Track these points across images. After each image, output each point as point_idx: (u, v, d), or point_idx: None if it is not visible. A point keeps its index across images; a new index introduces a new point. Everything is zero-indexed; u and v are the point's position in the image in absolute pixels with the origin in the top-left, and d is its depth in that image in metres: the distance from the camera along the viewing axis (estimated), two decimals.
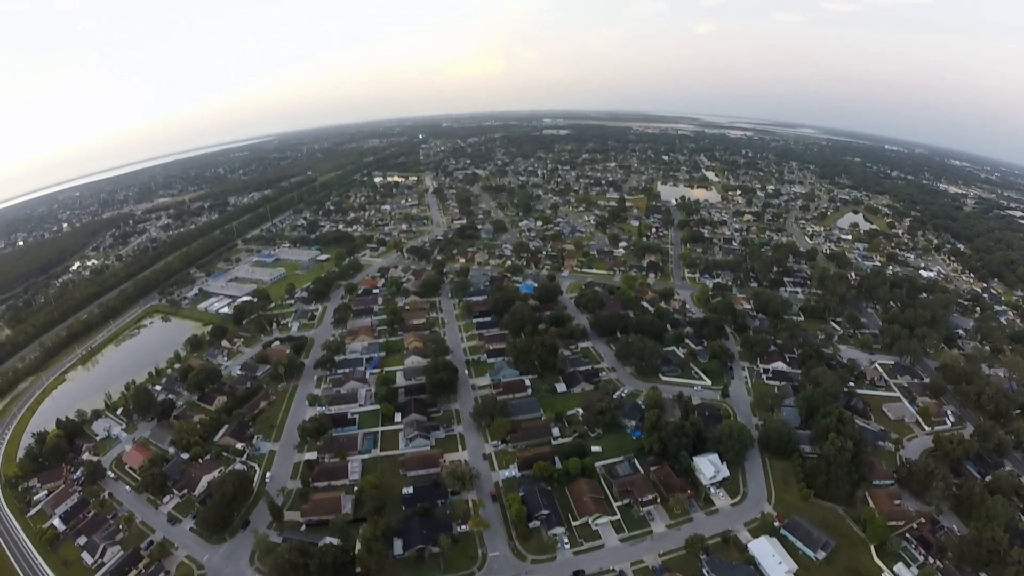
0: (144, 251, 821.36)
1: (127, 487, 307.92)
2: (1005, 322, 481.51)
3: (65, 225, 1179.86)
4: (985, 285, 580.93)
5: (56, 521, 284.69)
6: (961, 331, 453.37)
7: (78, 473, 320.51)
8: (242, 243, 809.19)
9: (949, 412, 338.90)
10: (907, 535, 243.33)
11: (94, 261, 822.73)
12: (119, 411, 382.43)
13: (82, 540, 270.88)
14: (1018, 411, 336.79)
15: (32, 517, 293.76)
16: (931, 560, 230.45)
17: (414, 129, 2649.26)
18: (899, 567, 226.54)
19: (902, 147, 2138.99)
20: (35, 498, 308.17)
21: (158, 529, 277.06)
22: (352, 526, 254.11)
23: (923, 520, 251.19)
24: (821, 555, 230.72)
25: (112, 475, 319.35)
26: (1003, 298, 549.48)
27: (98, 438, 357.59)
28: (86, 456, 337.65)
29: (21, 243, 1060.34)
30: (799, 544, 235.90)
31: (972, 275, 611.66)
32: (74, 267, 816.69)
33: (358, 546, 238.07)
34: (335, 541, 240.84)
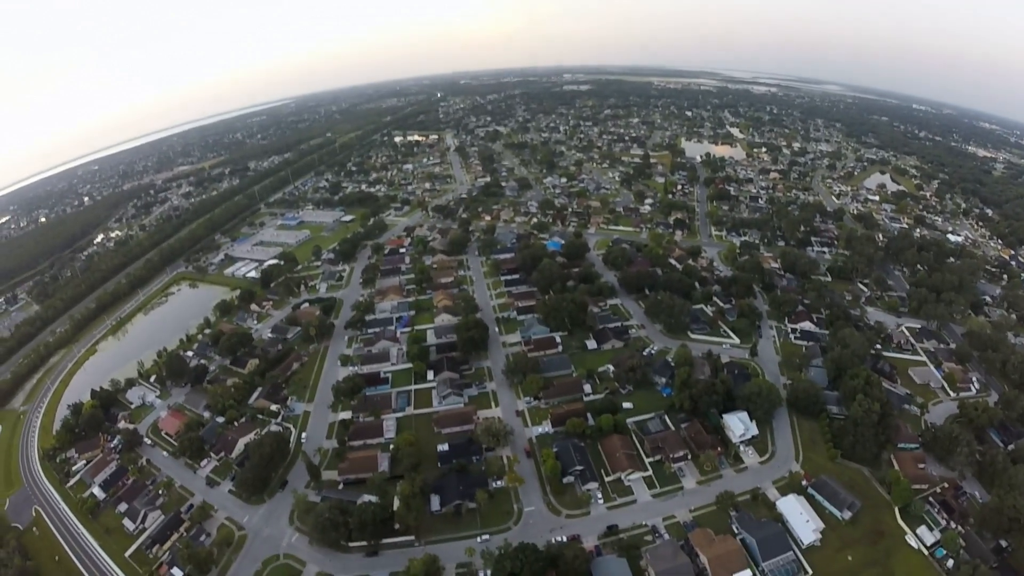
0: (167, 220, 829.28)
1: (164, 453, 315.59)
2: None
3: (86, 199, 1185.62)
4: (1013, 252, 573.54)
5: (96, 490, 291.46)
6: (988, 298, 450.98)
7: (115, 441, 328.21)
8: (265, 207, 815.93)
9: (974, 379, 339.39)
10: (930, 499, 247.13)
11: (118, 232, 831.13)
12: (152, 378, 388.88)
13: (122, 507, 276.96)
14: None
15: (72, 487, 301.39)
16: (953, 525, 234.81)
17: (432, 87, 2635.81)
18: (922, 530, 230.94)
19: (930, 107, 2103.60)
20: (74, 468, 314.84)
21: (197, 492, 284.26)
22: (389, 483, 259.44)
23: (946, 485, 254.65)
24: (847, 515, 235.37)
25: (149, 442, 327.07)
26: None
27: (133, 406, 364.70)
28: (122, 424, 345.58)
29: (43, 219, 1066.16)
30: (826, 503, 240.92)
31: (1000, 242, 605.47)
32: (98, 239, 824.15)
33: (396, 503, 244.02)
34: (373, 498, 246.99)
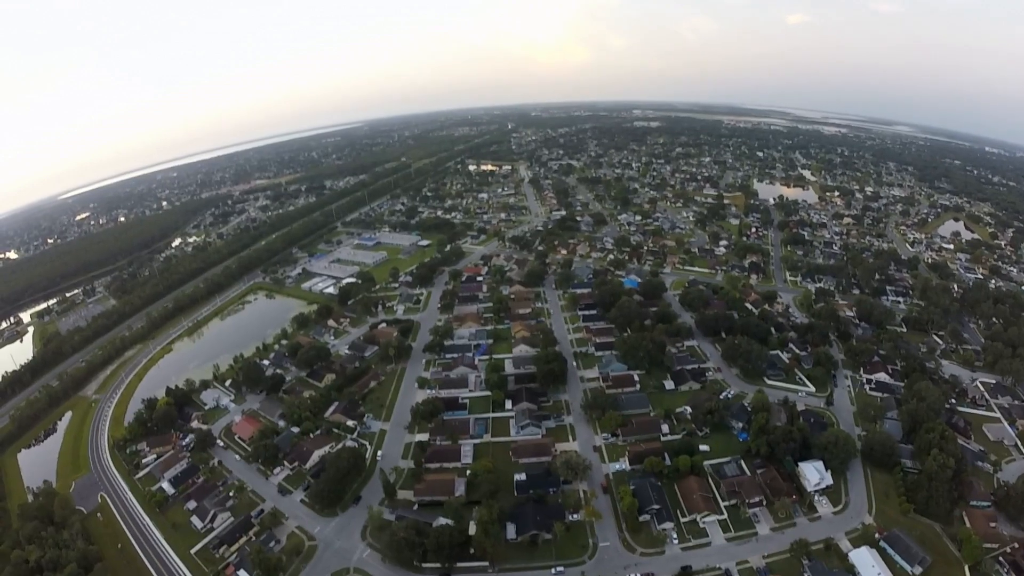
0: (245, 230, 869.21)
1: (236, 456, 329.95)
2: None
3: (165, 203, 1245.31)
4: None
5: (165, 484, 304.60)
6: None
7: (187, 440, 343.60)
8: (341, 226, 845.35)
9: None
10: (1001, 559, 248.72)
11: (195, 238, 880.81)
12: (228, 383, 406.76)
13: (191, 504, 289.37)
14: None
15: (140, 479, 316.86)
16: None
17: (503, 118, 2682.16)
18: None
19: (1003, 149, 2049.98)
20: (144, 461, 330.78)
21: (268, 499, 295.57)
22: (465, 508, 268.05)
23: (1016, 545, 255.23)
24: (918, 570, 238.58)
25: (221, 444, 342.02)
26: None
27: (207, 407, 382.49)
28: (195, 424, 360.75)
29: (123, 219, 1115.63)
30: (897, 558, 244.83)
31: None
32: (176, 243, 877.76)
33: (472, 528, 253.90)
34: (449, 522, 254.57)
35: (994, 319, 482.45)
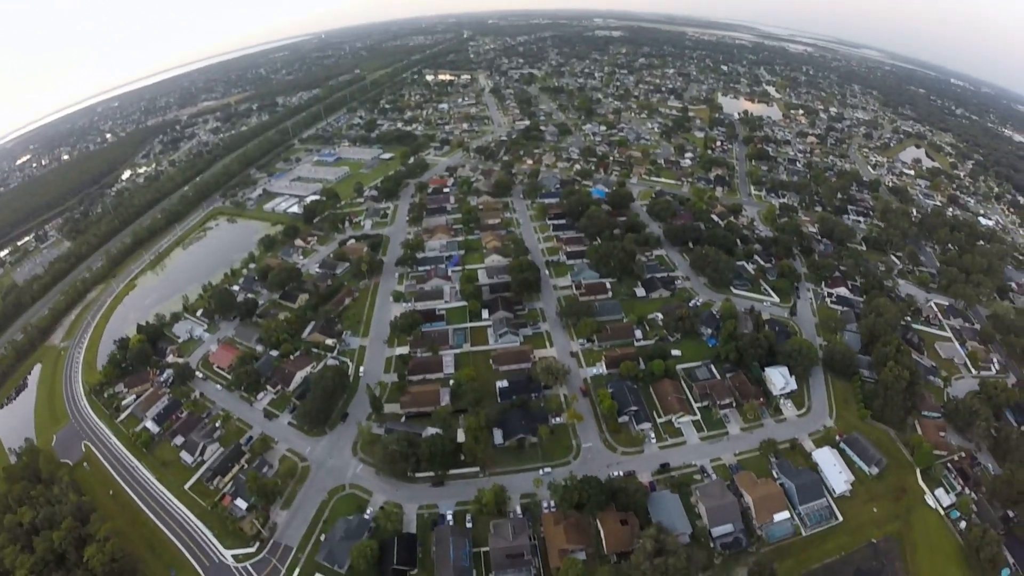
0: (198, 155, 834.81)
1: (218, 386, 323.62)
2: None
3: (109, 136, 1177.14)
4: None
5: (149, 424, 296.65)
6: (1014, 284, 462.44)
7: (165, 375, 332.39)
8: (299, 143, 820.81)
9: (995, 360, 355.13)
10: (948, 465, 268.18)
11: (146, 168, 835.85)
12: (199, 312, 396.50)
13: (179, 440, 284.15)
14: None
15: (123, 422, 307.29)
16: (967, 491, 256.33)
17: (459, 26, 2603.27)
18: (939, 492, 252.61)
19: (969, 83, 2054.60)
20: (123, 403, 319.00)
21: (255, 425, 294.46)
22: (452, 417, 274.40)
23: (963, 454, 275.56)
24: (875, 471, 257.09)
25: (200, 375, 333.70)
26: None
27: (180, 340, 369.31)
28: (171, 358, 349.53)
29: (66, 157, 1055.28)
30: (856, 458, 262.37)
31: None
32: (126, 175, 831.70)
33: (461, 436, 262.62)
34: (438, 431, 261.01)
35: (950, 245, 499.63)
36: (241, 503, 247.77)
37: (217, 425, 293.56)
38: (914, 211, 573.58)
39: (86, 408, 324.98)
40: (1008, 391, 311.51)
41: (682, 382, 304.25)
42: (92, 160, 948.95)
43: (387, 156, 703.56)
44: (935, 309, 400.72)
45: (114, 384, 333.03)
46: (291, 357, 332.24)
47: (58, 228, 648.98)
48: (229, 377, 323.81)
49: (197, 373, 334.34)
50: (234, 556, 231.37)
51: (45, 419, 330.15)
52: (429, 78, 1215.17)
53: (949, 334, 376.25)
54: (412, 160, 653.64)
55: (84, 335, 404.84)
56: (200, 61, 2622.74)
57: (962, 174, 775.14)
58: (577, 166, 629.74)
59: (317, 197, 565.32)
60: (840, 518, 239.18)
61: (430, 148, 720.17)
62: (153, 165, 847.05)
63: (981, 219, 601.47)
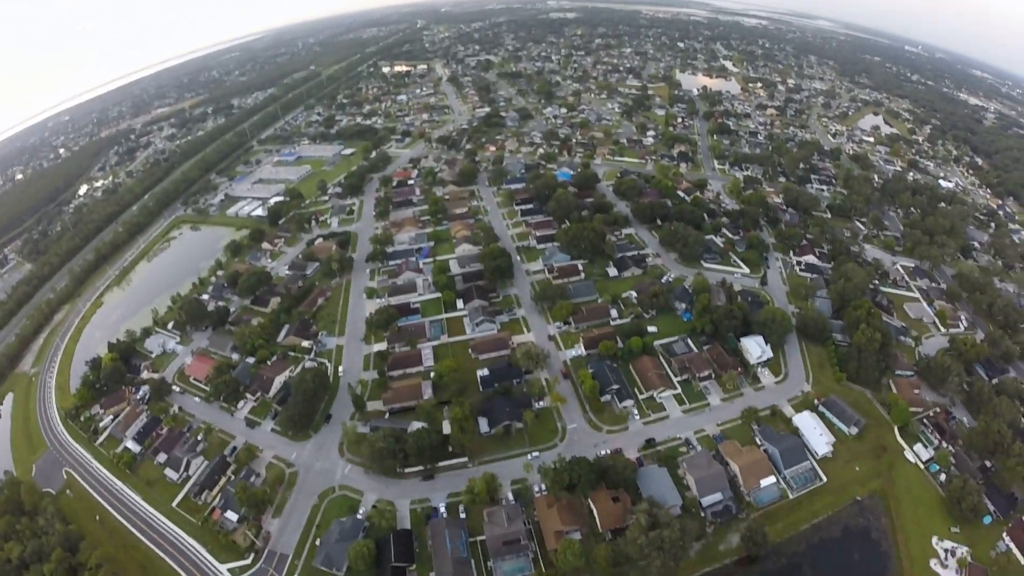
0: (155, 164, 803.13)
1: (196, 398, 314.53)
2: (1018, 240, 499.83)
3: (62, 151, 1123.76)
4: (1000, 202, 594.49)
5: (130, 443, 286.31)
6: (976, 244, 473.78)
7: (141, 392, 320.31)
8: (258, 144, 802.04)
9: (963, 317, 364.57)
10: (924, 421, 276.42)
11: (103, 181, 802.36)
12: (170, 325, 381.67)
13: (161, 457, 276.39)
14: None
15: (102, 444, 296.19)
16: (944, 444, 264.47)
17: (412, 15, 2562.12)
18: (918, 447, 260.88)
19: (923, 50, 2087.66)
20: (101, 425, 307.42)
21: (238, 435, 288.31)
22: (436, 410, 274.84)
23: (938, 410, 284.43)
24: (854, 431, 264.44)
25: (178, 389, 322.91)
26: (1017, 217, 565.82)
27: (153, 355, 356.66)
28: (146, 374, 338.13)
29: (20, 176, 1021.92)
30: (835, 420, 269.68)
31: (989, 191, 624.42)
32: (83, 190, 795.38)
33: (446, 427, 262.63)
34: (424, 425, 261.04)
35: (912, 208, 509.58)
36: (231, 515, 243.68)
37: (199, 438, 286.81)
38: (876, 177, 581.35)
39: (63, 434, 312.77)
40: (977, 346, 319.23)
41: (660, 358, 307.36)
42: (47, 177, 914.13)
43: (348, 152, 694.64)
44: (902, 271, 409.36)
45: (90, 406, 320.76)
46: (268, 362, 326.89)
47: (17, 250, 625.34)
48: (207, 388, 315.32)
49: (174, 387, 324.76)
50: (230, 570, 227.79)
51: (22, 449, 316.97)
52: (386, 70, 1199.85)
53: (917, 295, 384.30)
54: (374, 154, 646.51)
55: (54, 358, 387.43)
56: (150, 67, 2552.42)
57: (920, 139, 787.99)
58: (541, 150, 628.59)
59: (281, 198, 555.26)
60: (824, 479, 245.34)
61: (391, 141, 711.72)
62: (110, 177, 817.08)
63: (941, 182, 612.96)
